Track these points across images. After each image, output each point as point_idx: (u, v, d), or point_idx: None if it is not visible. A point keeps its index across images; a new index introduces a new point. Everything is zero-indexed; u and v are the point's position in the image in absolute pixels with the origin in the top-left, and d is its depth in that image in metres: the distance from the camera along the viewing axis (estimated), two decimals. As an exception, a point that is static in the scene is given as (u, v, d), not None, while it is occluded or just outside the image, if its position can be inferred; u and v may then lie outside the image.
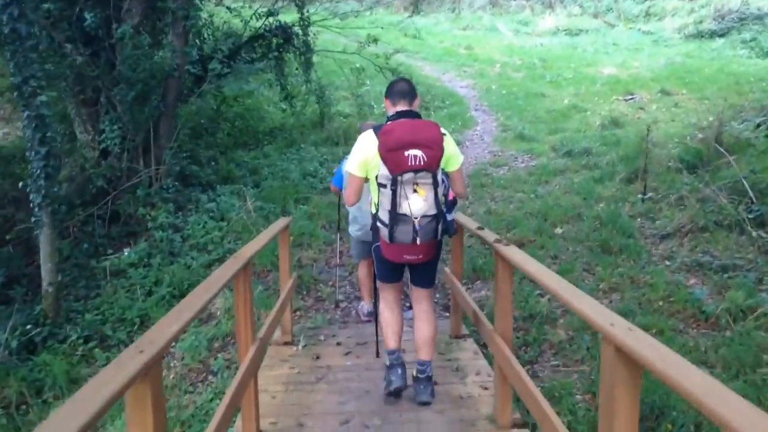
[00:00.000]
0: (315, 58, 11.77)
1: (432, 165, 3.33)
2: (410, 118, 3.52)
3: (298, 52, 10.88)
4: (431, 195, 3.40)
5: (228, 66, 8.44)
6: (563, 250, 7.08)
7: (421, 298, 3.98)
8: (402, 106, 3.60)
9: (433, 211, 3.42)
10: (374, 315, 4.75)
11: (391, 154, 3.32)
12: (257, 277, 6.62)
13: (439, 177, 3.43)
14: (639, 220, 7.91)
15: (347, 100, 13.26)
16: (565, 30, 22.15)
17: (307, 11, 10.53)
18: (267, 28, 10.82)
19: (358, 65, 11.79)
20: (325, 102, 11.50)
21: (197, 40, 11.02)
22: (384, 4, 24.54)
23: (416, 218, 3.41)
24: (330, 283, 6.68)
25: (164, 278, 6.67)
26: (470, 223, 4.35)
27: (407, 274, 4.00)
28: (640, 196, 8.56)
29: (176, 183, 8.10)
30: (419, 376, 3.94)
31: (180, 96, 7.99)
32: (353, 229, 5.43)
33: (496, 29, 22.72)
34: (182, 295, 6.50)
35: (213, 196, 8.44)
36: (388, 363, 4.04)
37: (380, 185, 3.45)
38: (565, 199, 8.62)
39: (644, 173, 8.80)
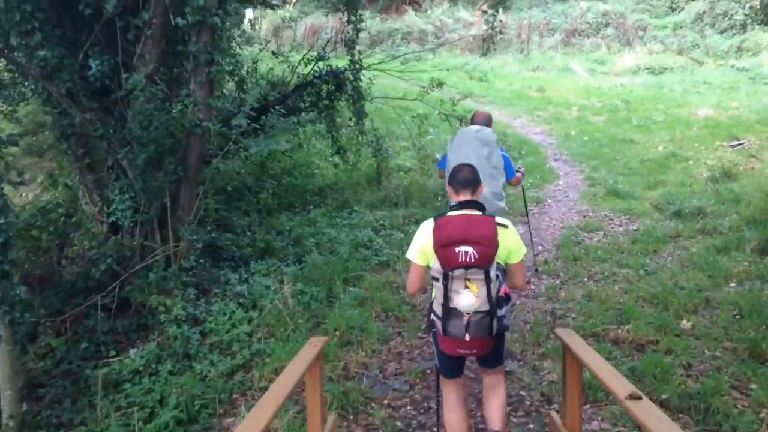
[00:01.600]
0: (371, 106, 10.34)
1: (483, 262, 3.34)
2: (472, 208, 3.54)
3: (350, 100, 9.46)
4: (484, 291, 3.41)
5: (257, 120, 7.05)
6: (697, 355, 5.28)
7: (492, 384, 3.94)
8: (465, 196, 3.60)
9: (486, 307, 3.43)
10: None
11: (442, 249, 3.37)
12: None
13: (493, 273, 3.43)
14: (790, 307, 6.07)
15: (408, 152, 11.73)
16: (647, 68, 20.28)
17: (359, 53, 9.12)
18: (316, 74, 9.46)
19: (420, 112, 10.26)
20: (382, 155, 9.99)
21: (239, 91, 9.83)
22: (447, 47, 23.20)
23: (468, 314, 3.42)
24: (386, 401, 5.03)
25: (172, 394, 5.14)
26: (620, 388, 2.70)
27: None
28: (784, 274, 6.71)
29: (200, 261, 6.65)
30: None
31: (204, 157, 6.57)
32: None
33: (570, 69, 21.02)
34: (191, 421, 4.96)
35: (245, 275, 6.95)
36: None
37: (434, 278, 3.51)
38: (684, 277, 6.80)
39: (789, 243, 6.93)
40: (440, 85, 9.71)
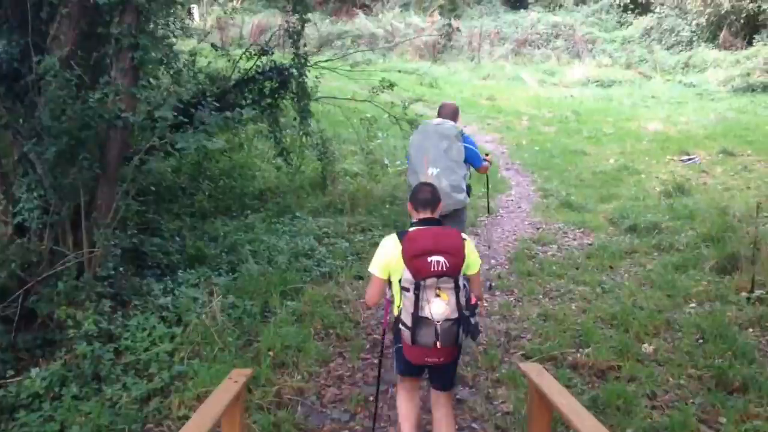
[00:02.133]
0: (317, 107, 9.77)
1: (453, 271, 3.52)
2: (433, 225, 3.73)
3: (295, 98, 8.85)
4: (453, 299, 3.55)
5: (185, 115, 6.36)
6: (661, 383, 4.90)
7: (440, 403, 3.99)
8: (425, 214, 3.79)
9: (455, 315, 3.56)
10: None
11: (414, 260, 3.50)
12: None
13: (461, 282, 3.60)
14: (752, 331, 5.78)
15: (356, 156, 11.18)
16: (596, 81, 20.25)
17: (305, 45, 8.53)
18: (259, 70, 8.82)
19: (369, 115, 9.71)
20: (327, 158, 9.40)
21: (175, 84, 9.13)
22: (397, 52, 22.77)
23: (438, 322, 3.53)
24: (324, 433, 4.47)
25: (74, 424, 4.46)
26: None
27: None
28: (745, 294, 6.40)
29: (119, 269, 5.93)
30: None
31: (127, 153, 5.86)
32: None
33: (520, 79, 20.84)
34: (96, 460, 4.28)
35: (171, 285, 6.26)
36: None
37: (404, 289, 3.60)
38: (643, 295, 6.45)
39: (751, 263, 6.61)
40: (391, 86, 9.19)
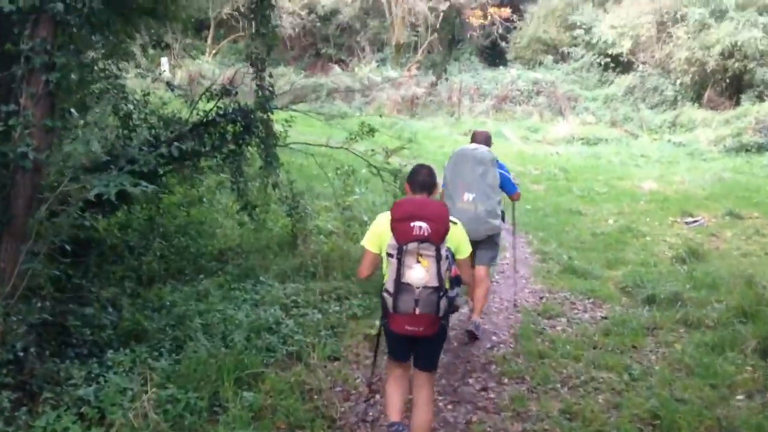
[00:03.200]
0: (287, 157, 8.64)
1: (435, 238, 3.66)
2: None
3: (261, 144, 7.70)
4: (434, 268, 3.68)
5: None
6: None
7: (421, 384, 4.11)
8: (421, 197, 3.97)
9: (435, 283, 3.68)
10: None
11: (398, 224, 3.71)
12: None
13: (443, 252, 3.71)
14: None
15: (330, 212, 9.99)
16: (581, 138, 19.50)
17: (271, 80, 7.40)
18: (221, 112, 7.69)
19: (346, 167, 8.53)
20: (298, 214, 8.19)
21: (123, 128, 7.99)
22: (374, 106, 21.90)
23: (418, 288, 3.66)
24: None
25: None
26: None
27: None
28: (799, 384, 5.30)
29: (30, 350, 4.62)
30: None
31: (37, 200, 4.58)
32: None
33: (503, 135, 19.99)
34: None
35: (98, 370, 4.94)
36: None
37: (389, 255, 3.78)
38: (680, 384, 5.28)
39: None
40: (371, 131, 8.12)
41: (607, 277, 8.34)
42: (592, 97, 23.11)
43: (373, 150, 8.16)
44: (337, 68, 26.80)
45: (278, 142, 7.97)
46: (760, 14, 20.93)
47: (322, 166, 8.38)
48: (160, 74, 10.01)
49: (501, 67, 26.96)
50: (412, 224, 3.66)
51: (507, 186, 6.20)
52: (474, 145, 6.14)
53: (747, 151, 17.12)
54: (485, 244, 6.04)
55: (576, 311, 7.21)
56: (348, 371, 5.48)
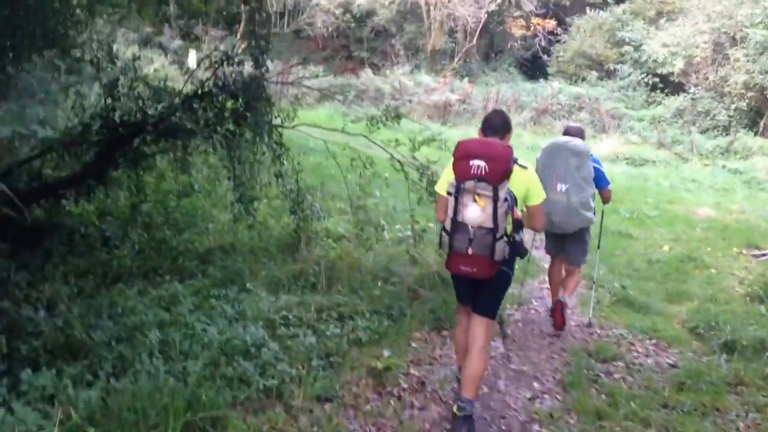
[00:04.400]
0: (304, 158, 7.38)
1: (491, 177, 3.63)
2: None
3: (258, 122, 6.41)
4: (490, 208, 3.64)
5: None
6: None
7: (476, 330, 4.07)
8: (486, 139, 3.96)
9: (490, 224, 3.66)
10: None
11: (458, 162, 3.74)
12: None
13: (501, 193, 3.64)
14: None
15: (344, 216, 8.66)
16: (626, 158, 17.97)
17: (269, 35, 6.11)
18: (219, 83, 6.43)
19: (363, 158, 7.08)
20: (304, 211, 6.87)
21: (108, 97, 6.82)
22: (404, 111, 20.54)
23: (472, 227, 3.68)
24: None
25: None
26: None
27: None
28: None
29: None
30: (458, 413, 3.95)
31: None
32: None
33: (539, 149, 18.50)
34: None
35: (7, 395, 3.65)
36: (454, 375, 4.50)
37: (448, 194, 3.83)
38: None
39: None
40: (397, 117, 6.81)
41: (669, 313, 6.88)
42: (638, 116, 21.56)
43: (397, 140, 6.81)
44: (368, 69, 25.56)
45: (284, 124, 6.68)
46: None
47: (334, 155, 7.00)
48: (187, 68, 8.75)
49: (541, 80, 25.53)
50: (471, 162, 3.66)
51: (601, 180, 6.02)
52: (567, 138, 5.98)
53: (812, 182, 15.55)
54: (576, 239, 6.08)
55: (636, 354, 5.77)
56: (342, 419, 4.10)
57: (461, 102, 22.08)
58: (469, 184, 3.66)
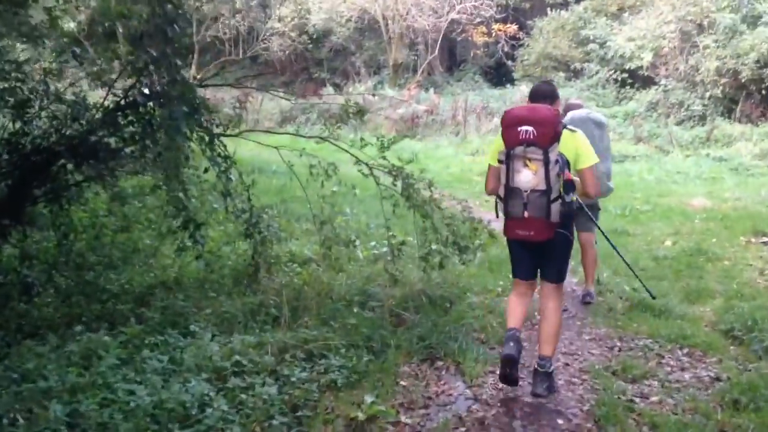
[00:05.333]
0: (262, 177, 6.40)
1: (540, 141, 3.74)
2: None
3: (203, 135, 5.41)
4: (542, 171, 3.74)
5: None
6: None
7: (547, 295, 4.23)
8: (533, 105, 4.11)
9: (543, 187, 3.75)
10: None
11: (507, 130, 3.89)
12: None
13: (552, 156, 3.76)
14: None
15: (311, 237, 7.63)
16: (606, 155, 17.20)
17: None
18: (145, 90, 5.42)
19: (323, 164, 6.00)
20: (260, 233, 5.83)
21: (17, 119, 5.82)
22: (371, 126, 19.65)
23: (526, 191, 3.78)
24: None
25: None
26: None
27: None
28: None
29: None
30: (538, 369, 4.06)
31: None
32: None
33: (515, 155, 17.73)
34: None
35: None
36: (505, 335, 4.20)
37: (499, 162, 3.97)
38: None
39: None
40: (360, 113, 5.85)
41: (694, 315, 5.92)
42: (611, 114, 20.82)
43: (362, 139, 5.83)
44: (329, 89, 24.66)
45: (227, 131, 5.68)
46: (797, 19, 18.80)
47: (290, 165, 5.96)
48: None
49: (509, 86, 24.80)
50: (519, 128, 3.78)
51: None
52: (587, 110, 6.24)
53: (803, 163, 14.86)
54: (590, 208, 5.56)
55: (670, 369, 4.79)
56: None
57: (429, 113, 21.24)
58: (519, 149, 3.77)
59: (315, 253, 6.71)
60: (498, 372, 4.13)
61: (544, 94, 4.18)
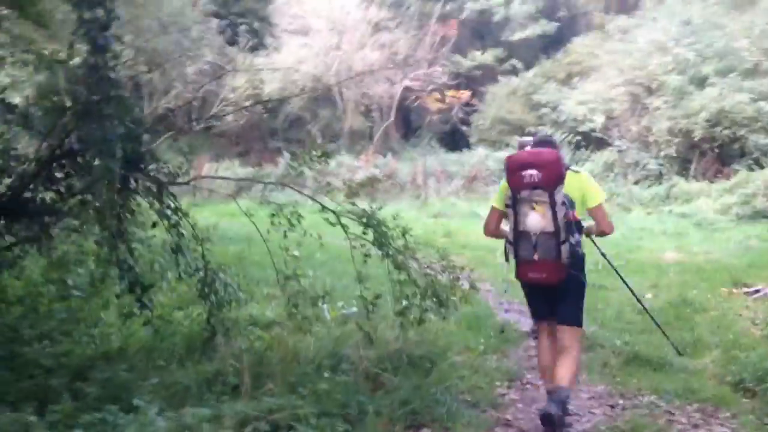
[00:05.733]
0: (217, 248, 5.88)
1: (545, 183, 3.81)
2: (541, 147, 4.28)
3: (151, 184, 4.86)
4: (549, 213, 3.82)
5: None
6: None
7: (565, 340, 4.11)
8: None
9: (551, 228, 3.81)
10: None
11: (512, 175, 3.95)
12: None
13: (558, 198, 3.83)
14: None
15: (273, 300, 7.00)
16: (567, 215, 17.06)
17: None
18: (83, 136, 4.86)
19: (289, 213, 5.47)
20: (218, 295, 5.21)
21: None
22: (328, 193, 19.18)
23: (535, 234, 3.84)
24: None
25: None
26: None
27: None
28: None
29: None
30: (552, 393, 4.00)
31: None
32: None
33: (477, 215, 17.43)
34: None
35: None
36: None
37: (506, 206, 4.07)
38: None
39: None
40: (325, 155, 5.39)
41: (695, 368, 5.46)
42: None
43: (329, 183, 5.35)
44: (286, 154, 24.28)
45: (176, 179, 5.13)
46: (743, 80, 19.25)
47: (249, 214, 5.40)
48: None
49: (465, 150, 24.84)
50: (523, 173, 3.83)
51: None
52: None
53: (765, 217, 14.83)
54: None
55: (681, 427, 4.30)
56: None
57: (387, 178, 20.98)
58: (525, 193, 3.82)
59: (278, 316, 6.07)
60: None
61: (544, 140, 4.39)
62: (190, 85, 26.83)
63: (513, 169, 3.91)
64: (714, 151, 19.34)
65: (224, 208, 15.26)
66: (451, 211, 18.26)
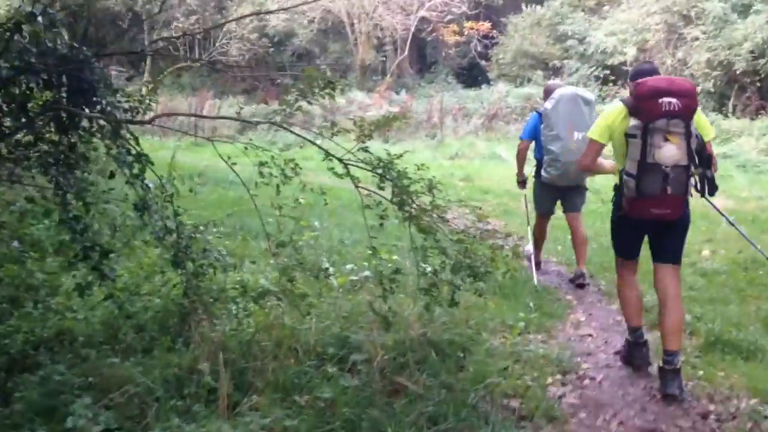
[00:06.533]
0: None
1: (685, 113, 3.53)
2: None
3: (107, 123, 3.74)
4: (684, 144, 3.54)
5: None
6: None
7: (665, 280, 3.90)
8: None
9: (685, 162, 3.57)
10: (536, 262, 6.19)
11: (645, 102, 3.58)
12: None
13: (693, 129, 3.60)
14: None
15: (267, 263, 5.89)
16: (596, 156, 15.85)
17: None
18: (22, 63, 3.72)
19: (284, 162, 4.35)
20: (195, 262, 4.14)
21: None
22: (340, 132, 17.98)
23: (668, 167, 3.53)
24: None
25: None
26: None
27: None
28: None
29: None
30: (665, 367, 3.71)
31: None
32: (549, 171, 5.94)
33: (498, 157, 16.30)
34: None
35: None
36: (631, 339, 4.11)
37: (629, 137, 3.64)
38: None
39: None
40: (329, 86, 4.24)
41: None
42: (596, 112, 19.57)
43: (333, 124, 4.22)
44: (294, 93, 23.01)
45: (134, 116, 4.01)
46: (792, 5, 17.66)
47: (228, 160, 4.30)
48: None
49: (484, 86, 23.42)
50: (660, 100, 3.52)
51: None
52: (574, 88, 6.34)
53: (814, 157, 13.65)
54: (578, 190, 6.27)
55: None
56: None
57: (402, 117, 19.70)
58: (660, 122, 3.52)
59: (274, 282, 4.99)
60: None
61: (653, 71, 3.91)
62: (192, 16, 25.46)
63: (648, 95, 3.54)
64: (755, 86, 17.88)
65: (230, 148, 14.18)
66: (469, 151, 17.04)
